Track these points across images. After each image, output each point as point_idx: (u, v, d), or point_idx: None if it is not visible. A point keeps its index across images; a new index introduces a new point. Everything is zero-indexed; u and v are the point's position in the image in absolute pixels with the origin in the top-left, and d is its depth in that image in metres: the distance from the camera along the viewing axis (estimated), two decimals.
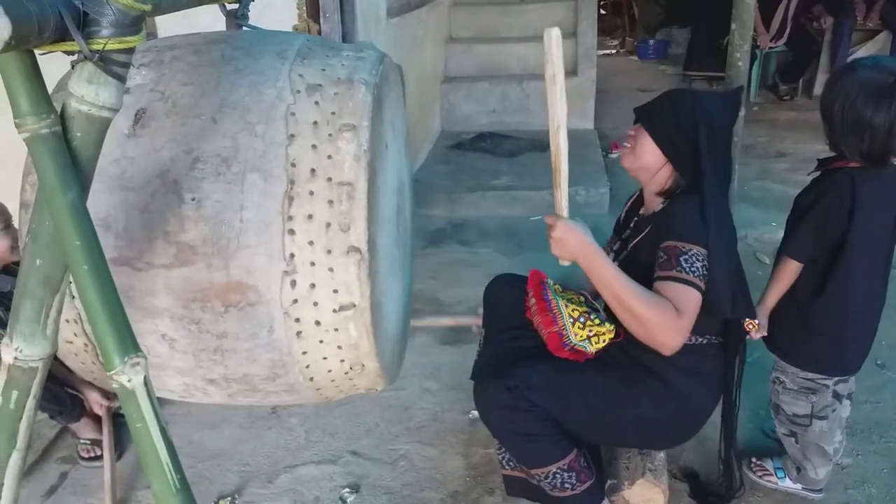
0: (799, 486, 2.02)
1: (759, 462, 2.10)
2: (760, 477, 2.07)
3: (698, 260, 1.56)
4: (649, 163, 1.72)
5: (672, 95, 1.80)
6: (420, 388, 2.53)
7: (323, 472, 2.16)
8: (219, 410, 2.39)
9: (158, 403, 1.07)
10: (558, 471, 1.70)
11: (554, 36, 1.39)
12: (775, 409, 1.99)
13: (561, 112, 1.44)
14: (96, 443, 2.21)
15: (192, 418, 2.37)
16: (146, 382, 1.04)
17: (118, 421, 2.21)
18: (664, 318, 1.52)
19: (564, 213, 1.56)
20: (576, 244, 1.55)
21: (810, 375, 1.89)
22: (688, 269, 1.55)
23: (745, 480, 2.01)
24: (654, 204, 1.77)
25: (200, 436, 2.32)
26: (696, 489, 2.04)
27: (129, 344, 1.02)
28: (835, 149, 1.75)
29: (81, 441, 2.23)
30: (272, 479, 2.14)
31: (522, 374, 1.66)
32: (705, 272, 1.56)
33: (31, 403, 1.10)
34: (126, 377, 1.01)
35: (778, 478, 2.05)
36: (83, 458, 2.23)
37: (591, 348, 1.74)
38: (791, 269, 1.83)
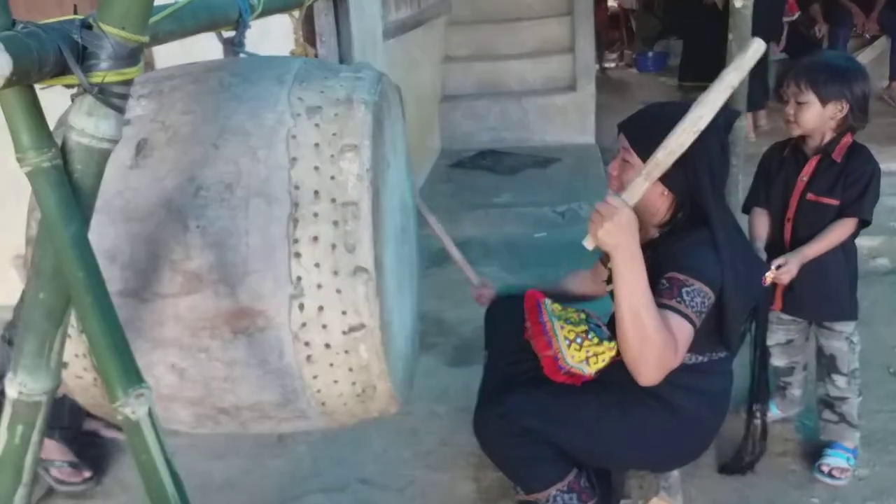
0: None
1: (830, 464, 2.12)
2: (841, 476, 2.11)
3: (699, 296, 1.52)
4: (649, 196, 1.60)
5: (657, 111, 1.71)
6: (428, 412, 2.50)
7: (331, 501, 2.13)
8: (225, 440, 2.36)
9: (164, 434, 1.05)
10: (558, 493, 1.68)
11: (755, 45, 1.38)
12: (853, 375, 2.15)
13: (709, 112, 1.40)
14: (73, 465, 2.19)
15: (198, 449, 2.34)
16: (151, 414, 1.03)
17: (95, 441, 2.22)
18: (663, 349, 1.45)
19: (632, 202, 1.45)
20: (627, 238, 1.42)
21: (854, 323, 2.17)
22: (688, 303, 1.51)
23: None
24: (650, 233, 1.70)
25: (207, 466, 2.28)
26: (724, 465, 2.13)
27: (133, 375, 1.02)
28: (843, 129, 2.05)
29: (57, 463, 2.18)
30: None
31: (513, 402, 1.65)
32: (703, 309, 1.53)
33: (35, 438, 1.09)
34: (130, 409, 1.01)
35: (851, 465, 2.14)
36: (62, 483, 2.18)
37: (589, 369, 1.69)
38: (850, 227, 2.06)
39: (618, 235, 1.42)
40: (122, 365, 1.01)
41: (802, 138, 2.13)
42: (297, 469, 2.27)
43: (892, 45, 5.80)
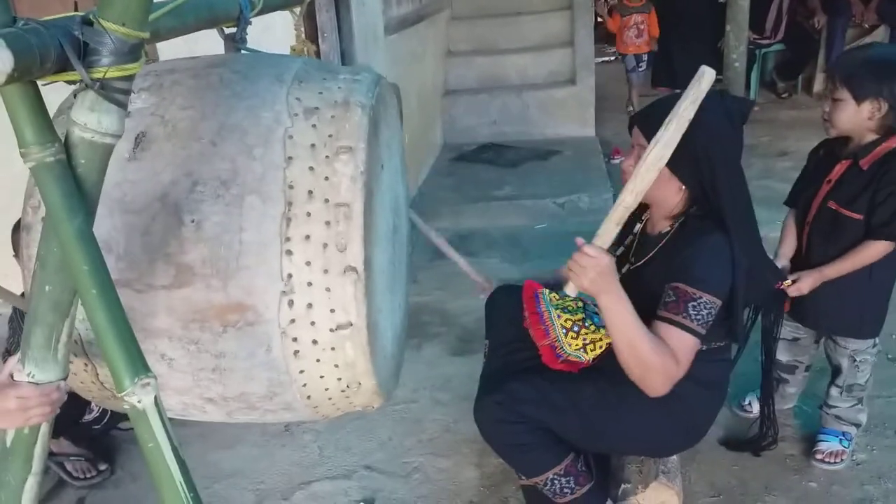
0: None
1: (824, 450, 2.14)
2: (836, 461, 2.13)
3: (705, 308, 1.54)
4: (665, 193, 1.63)
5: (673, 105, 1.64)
6: (431, 401, 2.54)
7: (338, 488, 2.17)
8: (233, 430, 2.41)
9: (170, 423, 1.08)
10: (555, 476, 1.71)
11: (707, 76, 1.39)
12: (849, 390, 2.12)
13: (668, 151, 1.42)
14: (88, 459, 2.23)
15: (206, 439, 2.39)
16: (157, 402, 1.05)
17: (108, 434, 2.26)
18: (664, 368, 1.52)
19: (607, 247, 1.51)
20: (611, 283, 1.50)
21: (877, 341, 2.09)
22: (693, 317, 1.54)
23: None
24: (661, 224, 1.71)
25: (215, 456, 2.33)
26: (734, 444, 2.19)
27: (140, 365, 1.04)
28: (885, 132, 1.87)
29: (72, 458, 2.23)
30: (287, 496, 2.15)
31: (511, 389, 1.68)
32: (710, 318, 1.56)
33: (45, 428, 1.12)
34: (136, 398, 1.02)
35: (845, 447, 2.15)
36: (78, 478, 2.22)
37: (586, 357, 1.74)
38: (880, 250, 1.90)
39: (602, 282, 1.49)
40: (127, 355, 1.02)
41: (844, 138, 1.95)
42: (304, 457, 2.31)
43: (891, 35, 5.78)
